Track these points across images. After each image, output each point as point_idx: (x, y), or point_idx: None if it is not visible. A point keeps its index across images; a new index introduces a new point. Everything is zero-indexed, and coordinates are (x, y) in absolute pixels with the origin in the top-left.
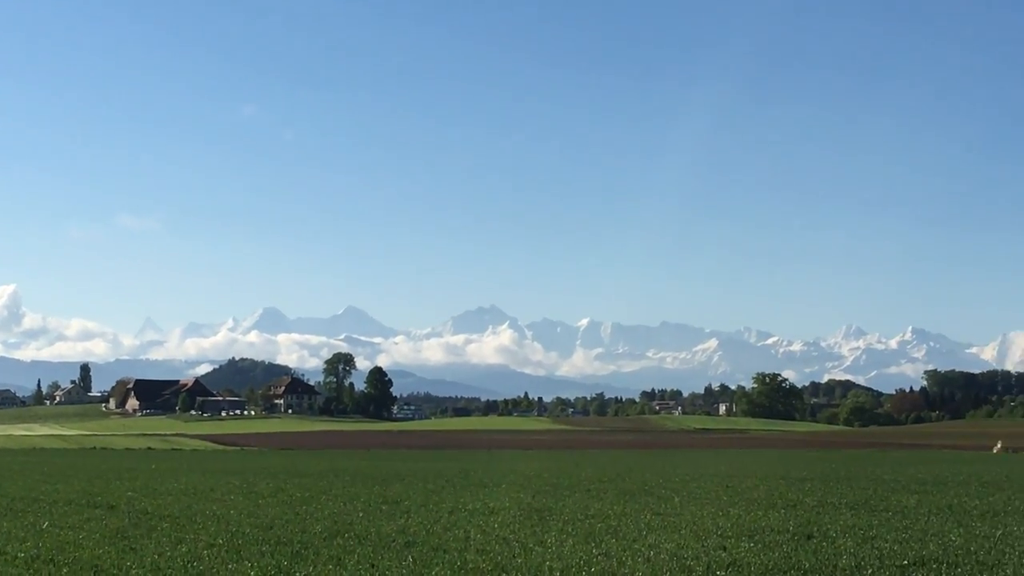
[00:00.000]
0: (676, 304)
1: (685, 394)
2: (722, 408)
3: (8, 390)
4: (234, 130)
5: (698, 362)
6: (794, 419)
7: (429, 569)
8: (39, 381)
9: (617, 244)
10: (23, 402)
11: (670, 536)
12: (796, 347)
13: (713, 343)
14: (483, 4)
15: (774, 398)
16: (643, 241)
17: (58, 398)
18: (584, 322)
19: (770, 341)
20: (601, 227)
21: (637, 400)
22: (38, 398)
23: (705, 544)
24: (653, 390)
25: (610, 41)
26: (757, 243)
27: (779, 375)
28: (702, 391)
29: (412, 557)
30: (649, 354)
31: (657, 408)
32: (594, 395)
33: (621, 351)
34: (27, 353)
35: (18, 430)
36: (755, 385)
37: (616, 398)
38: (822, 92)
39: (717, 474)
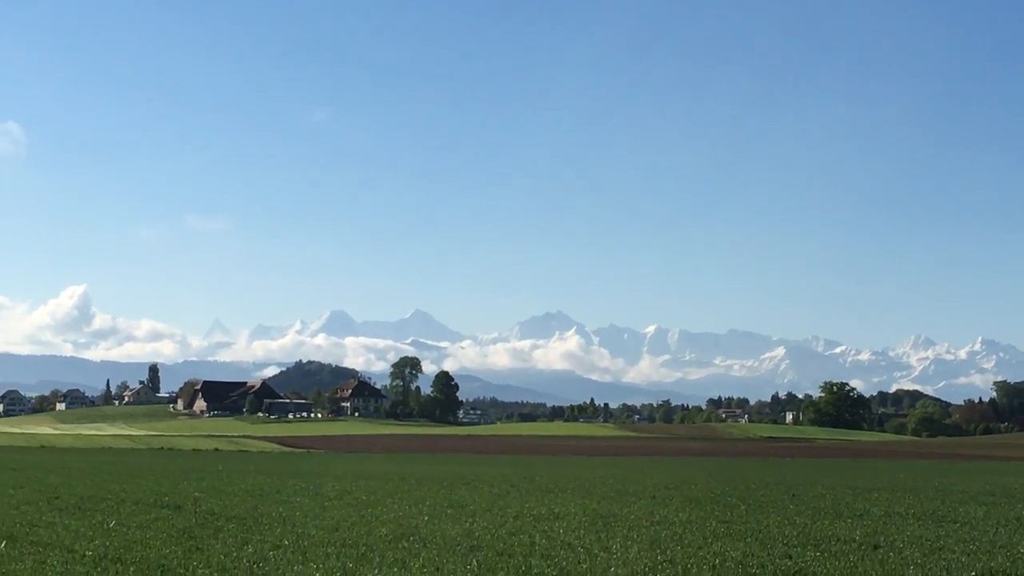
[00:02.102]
0: (744, 312)
1: (752, 402)
2: (789, 417)
3: (78, 390)
4: (305, 134)
5: (765, 370)
6: (861, 429)
7: (494, 573)
8: (108, 381)
9: (686, 251)
10: (92, 402)
11: (735, 544)
12: (864, 356)
13: (780, 351)
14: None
15: (841, 407)
16: (712, 248)
17: (127, 398)
18: (651, 329)
19: (838, 350)
20: (670, 234)
21: (703, 407)
22: (107, 398)
23: (771, 552)
24: (719, 398)
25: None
26: (827, 252)
27: (847, 384)
28: (769, 399)
29: (477, 561)
30: (716, 362)
31: (723, 416)
32: (660, 402)
33: (688, 358)
34: (97, 353)
35: (87, 430)
36: (822, 394)
37: (682, 405)
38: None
39: (783, 482)
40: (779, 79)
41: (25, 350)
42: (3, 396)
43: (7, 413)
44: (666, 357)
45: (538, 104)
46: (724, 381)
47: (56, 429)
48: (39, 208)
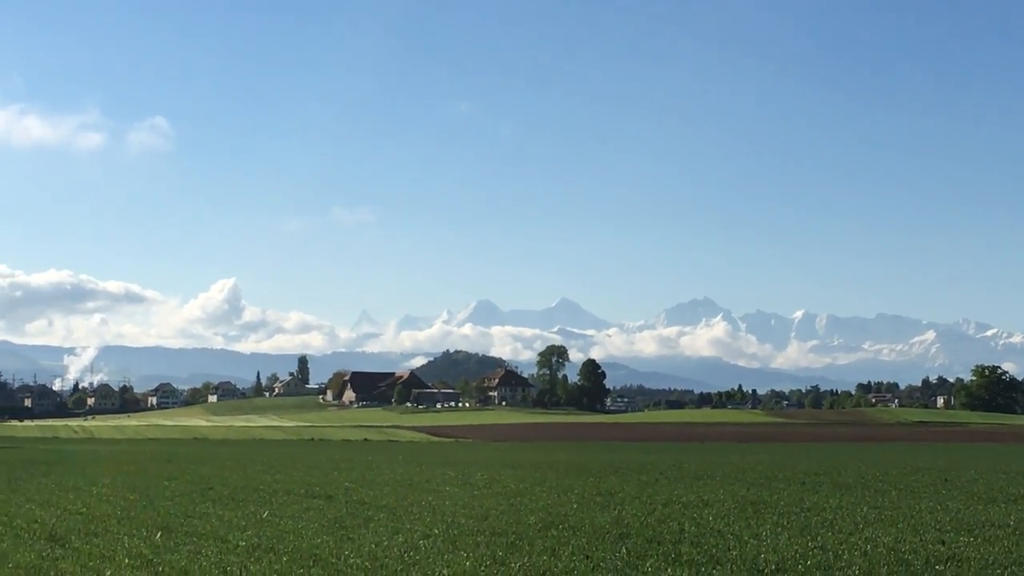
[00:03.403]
0: (892, 295)
1: (902, 387)
2: (940, 401)
3: (229, 382)
4: (449, 126)
5: (915, 354)
6: (1015, 413)
7: (643, 561)
8: (258, 373)
9: (833, 235)
10: (243, 394)
11: (887, 530)
12: (1017, 339)
13: (931, 335)
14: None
15: (994, 391)
16: (860, 232)
17: (277, 390)
18: (799, 314)
19: (989, 333)
20: (816, 218)
21: (853, 393)
22: (258, 390)
23: (923, 538)
24: (869, 383)
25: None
26: (976, 233)
27: (999, 368)
28: (919, 384)
29: (626, 548)
30: (865, 346)
31: (873, 401)
32: (809, 387)
33: (836, 343)
34: (247, 346)
35: (239, 421)
36: (974, 378)
37: (831, 391)
38: None
39: (935, 467)
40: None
41: (177, 344)
42: (156, 389)
43: (160, 406)
44: (814, 342)
45: (675, 94)
46: (873, 366)
47: (209, 421)
48: (188, 202)
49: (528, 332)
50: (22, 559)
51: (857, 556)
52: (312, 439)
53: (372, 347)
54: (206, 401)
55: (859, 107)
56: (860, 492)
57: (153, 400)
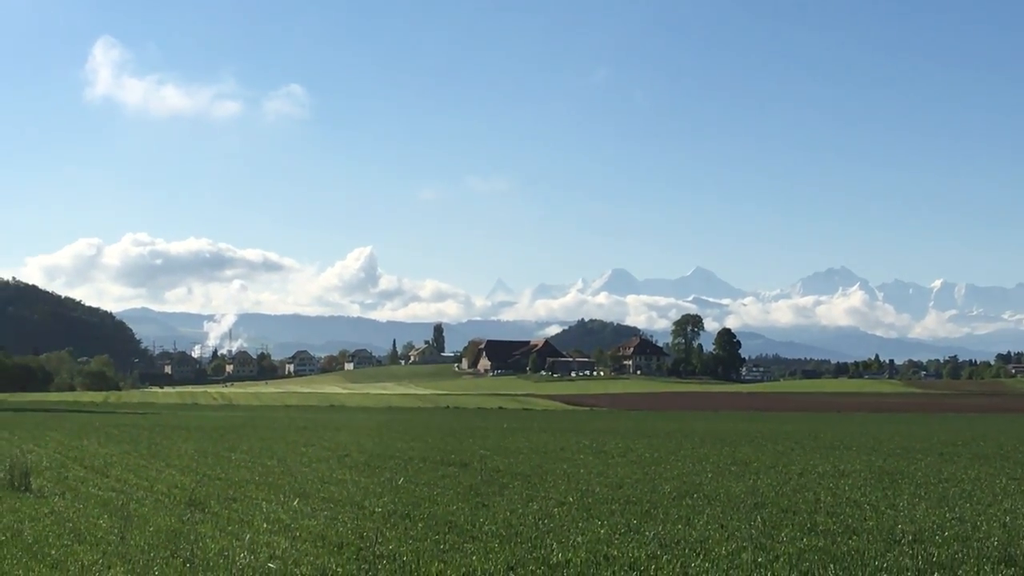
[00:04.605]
0: None
1: None
2: None
3: (365, 350)
4: (585, 93)
5: None
6: None
7: (779, 530)
8: (394, 341)
9: (971, 203)
10: (379, 361)
11: None
12: None
13: None
14: None
15: None
16: (999, 199)
17: (412, 358)
18: (937, 283)
19: None
20: (955, 186)
21: (992, 363)
22: (393, 357)
23: None
24: (1009, 353)
25: None
26: None
27: None
28: None
29: (761, 518)
30: (1005, 316)
31: (1013, 371)
32: (947, 358)
33: (975, 313)
34: (383, 314)
35: (375, 389)
36: None
37: (970, 361)
38: None
39: None
40: None
41: (314, 311)
42: (293, 356)
43: (298, 373)
44: (953, 312)
45: (807, 62)
46: (1014, 336)
47: (345, 388)
48: (324, 170)
49: (663, 301)
50: (162, 523)
51: (996, 528)
52: (447, 407)
53: (507, 315)
54: (342, 369)
55: (996, 74)
56: (999, 463)
57: (290, 367)
